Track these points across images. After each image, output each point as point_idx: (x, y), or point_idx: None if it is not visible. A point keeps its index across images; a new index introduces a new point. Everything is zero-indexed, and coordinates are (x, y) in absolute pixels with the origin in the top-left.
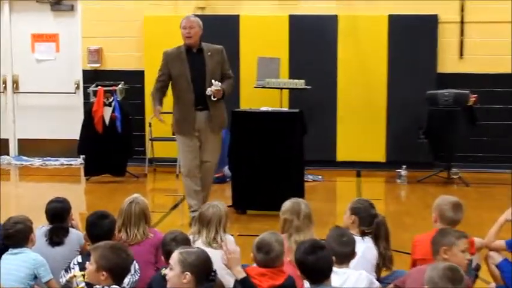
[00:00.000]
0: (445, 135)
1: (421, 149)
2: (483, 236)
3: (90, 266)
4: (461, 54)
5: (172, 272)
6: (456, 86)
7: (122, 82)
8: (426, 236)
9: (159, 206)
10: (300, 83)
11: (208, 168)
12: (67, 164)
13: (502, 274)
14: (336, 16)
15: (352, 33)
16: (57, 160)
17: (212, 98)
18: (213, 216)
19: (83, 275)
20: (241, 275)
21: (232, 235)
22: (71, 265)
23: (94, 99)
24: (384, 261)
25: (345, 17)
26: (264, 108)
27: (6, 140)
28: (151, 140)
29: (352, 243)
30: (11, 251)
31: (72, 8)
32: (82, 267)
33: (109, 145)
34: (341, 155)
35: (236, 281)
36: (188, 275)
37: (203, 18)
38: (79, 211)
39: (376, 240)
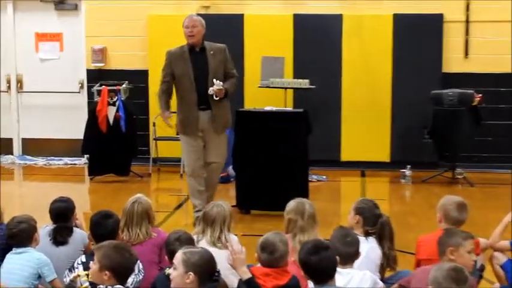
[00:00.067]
0: (449, 135)
1: (426, 149)
2: (488, 236)
3: (93, 265)
4: (466, 53)
5: (176, 271)
6: (461, 85)
7: (126, 81)
8: (431, 236)
9: (163, 206)
10: (304, 83)
11: (214, 169)
12: (71, 164)
13: (507, 275)
14: (340, 15)
15: (357, 33)
16: (61, 160)
17: (214, 97)
18: (217, 215)
19: (87, 275)
20: (247, 275)
21: (236, 235)
22: (75, 265)
23: (98, 98)
24: (388, 262)
25: (350, 17)
26: (268, 108)
27: (10, 140)
28: (156, 139)
29: (356, 243)
30: (15, 250)
31: (76, 7)
32: (86, 267)
33: (113, 145)
34: (345, 155)
35: (241, 282)
36: (191, 275)
37: (207, 17)
38: (83, 211)
39: (380, 241)
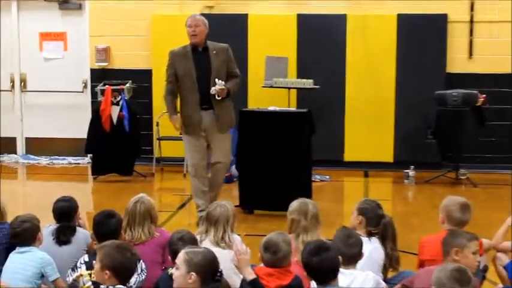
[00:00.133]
0: (453, 135)
1: (429, 150)
2: (491, 237)
3: (96, 264)
4: (470, 54)
5: (178, 271)
6: (465, 86)
7: (130, 81)
8: (434, 237)
9: (166, 206)
10: (308, 83)
11: (218, 170)
12: (74, 163)
13: (510, 275)
14: (344, 15)
15: (361, 33)
16: (64, 159)
17: (216, 97)
18: (220, 215)
19: (90, 274)
20: (251, 276)
21: (239, 235)
22: (78, 264)
23: (102, 98)
24: (390, 262)
25: (354, 17)
26: (271, 108)
27: (14, 139)
28: (159, 139)
29: (359, 244)
30: (18, 249)
31: (80, 7)
32: (89, 266)
33: (116, 144)
34: (349, 155)
35: (245, 282)
36: (193, 275)
37: (211, 17)
38: (86, 210)
39: (383, 241)
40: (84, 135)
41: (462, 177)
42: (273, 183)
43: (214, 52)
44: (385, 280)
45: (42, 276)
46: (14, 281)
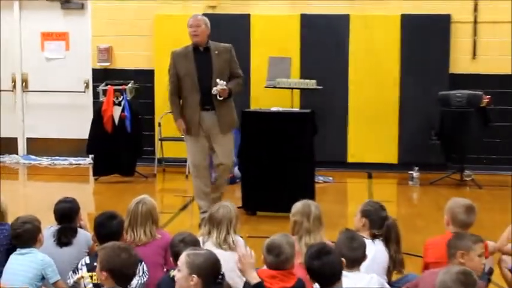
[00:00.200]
0: (457, 136)
1: (434, 151)
2: (496, 239)
3: (97, 266)
4: (474, 54)
5: (180, 273)
6: (469, 86)
7: (132, 81)
8: (439, 239)
9: (168, 207)
10: (311, 83)
11: (222, 171)
12: (76, 164)
13: None
14: (347, 15)
15: (364, 33)
16: (65, 159)
17: (218, 97)
18: (223, 217)
19: (91, 276)
20: (256, 280)
21: (241, 237)
22: (79, 266)
23: (103, 98)
24: (394, 264)
25: (357, 17)
26: (274, 109)
27: (15, 139)
28: (161, 139)
29: (363, 247)
30: (19, 251)
31: (82, 7)
32: (90, 268)
33: (118, 145)
34: (352, 156)
35: (248, 286)
36: (195, 277)
37: (214, 17)
38: (87, 211)
39: (387, 243)
40: (86, 136)
41: (467, 179)
42: (275, 184)
43: (216, 52)
44: (389, 283)
45: (43, 278)
46: (15, 283)
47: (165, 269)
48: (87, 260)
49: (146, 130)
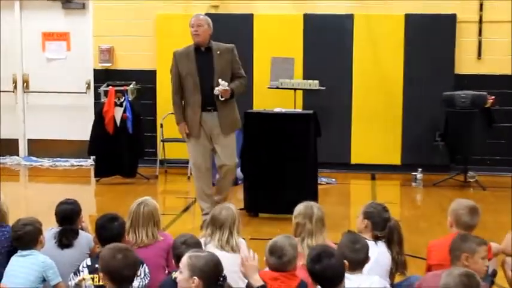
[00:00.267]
0: (462, 137)
1: (438, 152)
2: (500, 241)
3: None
4: (479, 54)
5: (181, 275)
6: (474, 87)
7: (134, 82)
8: (442, 241)
9: (170, 209)
10: (314, 84)
11: (225, 173)
12: (77, 165)
13: None
14: (351, 15)
15: (368, 33)
16: (67, 161)
17: (220, 98)
18: (226, 219)
19: (92, 278)
20: (259, 283)
21: (244, 238)
22: (80, 268)
23: (105, 99)
24: (396, 266)
25: (361, 16)
26: (277, 109)
27: (16, 140)
28: (163, 141)
29: (365, 249)
30: (20, 252)
31: (83, 7)
32: (91, 270)
33: (120, 146)
34: (355, 158)
35: None
36: (196, 279)
37: (216, 17)
38: (89, 213)
39: (389, 245)
40: (87, 137)
41: (471, 180)
42: (278, 185)
43: (218, 52)
44: (392, 285)
45: (44, 280)
46: (16, 285)
47: (167, 271)
48: (88, 262)
49: (148, 131)
